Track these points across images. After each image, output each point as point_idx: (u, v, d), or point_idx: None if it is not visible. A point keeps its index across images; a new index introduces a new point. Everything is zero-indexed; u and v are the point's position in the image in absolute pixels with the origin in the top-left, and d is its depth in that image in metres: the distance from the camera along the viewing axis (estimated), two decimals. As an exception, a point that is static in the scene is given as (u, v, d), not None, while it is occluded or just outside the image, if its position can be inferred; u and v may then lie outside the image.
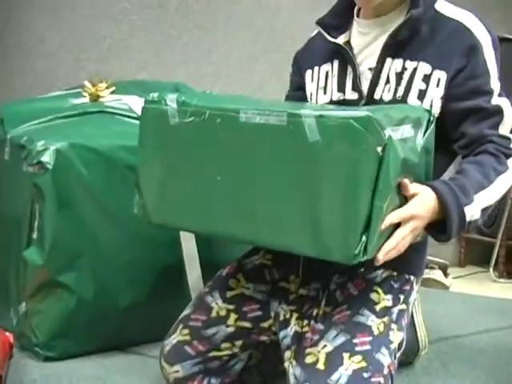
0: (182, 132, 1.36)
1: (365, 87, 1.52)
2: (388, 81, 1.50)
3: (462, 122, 1.47)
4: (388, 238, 1.27)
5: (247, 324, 1.52)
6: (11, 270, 1.90)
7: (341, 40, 1.56)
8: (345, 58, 1.55)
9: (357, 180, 1.20)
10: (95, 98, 2.09)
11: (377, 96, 1.51)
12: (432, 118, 1.40)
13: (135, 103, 2.04)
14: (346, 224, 1.21)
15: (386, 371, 1.34)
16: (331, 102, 1.58)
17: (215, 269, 1.90)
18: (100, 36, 2.63)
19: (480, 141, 1.45)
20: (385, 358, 1.35)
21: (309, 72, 1.64)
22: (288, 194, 1.25)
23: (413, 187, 1.30)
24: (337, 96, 1.57)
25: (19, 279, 1.85)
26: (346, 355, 1.34)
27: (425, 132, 1.38)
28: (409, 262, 1.49)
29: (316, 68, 1.62)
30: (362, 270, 1.47)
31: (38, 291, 1.80)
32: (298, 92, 1.69)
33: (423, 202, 1.31)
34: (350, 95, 1.54)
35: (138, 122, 1.96)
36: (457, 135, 1.48)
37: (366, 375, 1.31)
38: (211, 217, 1.35)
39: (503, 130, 1.47)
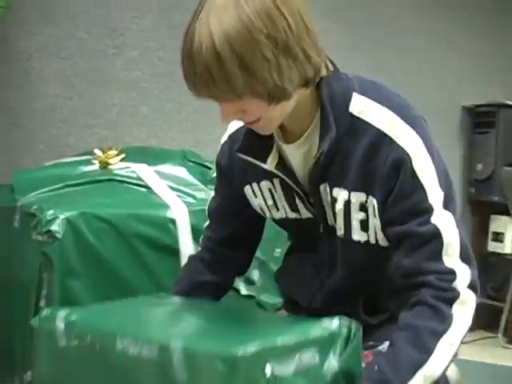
0: (68, 355, 1.23)
1: (316, 210, 1.37)
2: (329, 207, 1.34)
3: (396, 251, 1.27)
4: None
5: None
6: (17, 337, 1.90)
7: (272, 163, 1.35)
8: (284, 180, 1.37)
9: None
10: (105, 166, 2.12)
11: (330, 222, 1.36)
12: (354, 331, 1.15)
13: (144, 171, 2.07)
14: None
15: None
16: (287, 220, 1.43)
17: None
18: (110, 103, 2.68)
19: (416, 276, 1.24)
20: None
21: (248, 188, 1.45)
22: None
23: None
24: (293, 215, 1.42)
25: (26, 347, 1.84)
26: None
27: (343, 350, 1.13)
28: None
29: (255, 184, 1.43)
30: (371, 343, 1.41)
31: (44, 360, 1.79)
32: (235, 203, 1.51)
33: None
34: (306, 214, 1.40)
35: (146, 189, 2.01)
36: (394, 265, 1.29)
37: None
38: None
39: (447, 257, 1.24)
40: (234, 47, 1.13)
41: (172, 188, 2.02)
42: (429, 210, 1.24)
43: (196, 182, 2.07)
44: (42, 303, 1.80)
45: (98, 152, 2.16)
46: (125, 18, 2.68)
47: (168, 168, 2.11)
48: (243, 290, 1.99)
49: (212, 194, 1.60)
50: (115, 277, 1.82)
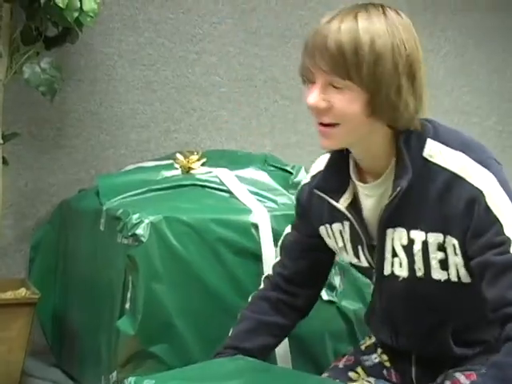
0: None
1: (375, 258, 1.41)
2: (395, 254, 1.36)
3: (481, 283, 1.28)
4: None
5: None
6: (103, 338, 1.94)
7: (344, 203, 1.40)
8: (352, 223, 1.42)
9: None
10: (187, 170, 2.15)
11: (386, 272, 1.39)
12: None
13: (225, 176, 2.09)
14: None
15: None
16: (352, 264, 1.51)
17: (302, 343, 1.90)
18: (189, 108, 2.72)
19: (502, 307, 1.23)
20: None
21: (322, 228, 1.52)
22: None
23: None
24: (355, 261, 1.48)
25: (111, 348, 1.88)
26: None
27: None
28: None
29: (328, 226, 1.49)
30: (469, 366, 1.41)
31: (129, 361, 1.83)
32: (311, 239, 1.56)
33: None
34: (364, 263, 1.45)
35: (228, 194, 2.03)
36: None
37: None
38: None
39: None
40: (376, 43, 1.25)
41: (253, 192, 2.03)
42: (506, 242, 1.25)
43: (277, 186, 2.08)
44: (127, 306, 1.84)
45: (179, 156, 2.19)
46: (204, 24, 2.71)
47: (249, 172, 2.12)
48: (324, 296, 1.97)
49: (288, 229, 1.66)
50: (198, 280, 1.84)
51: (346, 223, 1.44)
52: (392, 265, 1.39)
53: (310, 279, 1.63)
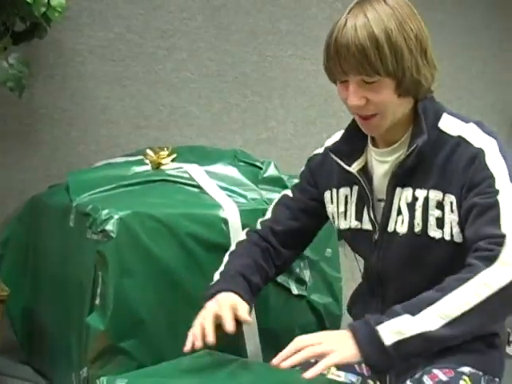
0: None
1: (379, 218, 1.50)
2: (400, 212, 1.47)
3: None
4: None
5: None
6: (74, 334, 1.94)
7: (355, 167, 1.53)
8: (361, 185, 1.53)
9: None
10: (157, 166, 2.15)
11: (390, 229, 1.49)
12: None
13: (195, 171, 2.09)
14: None
15: None
16: (350, 230, 1.57)
17: (273, 337, 1.91)
18: (160, 104, 2.71)
19: (475, 242, 1.34)
20: None
21: (327, 193, 1.63)
22: None
23: None
24: (354, 224, 1.56)
25: (81, 344, 1.88)
26: None
27: None
28: (493, 364, 1.49)
29: (334, 190, 1.61)
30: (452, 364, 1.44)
31: (99, 357, 1.82)
32: (311, 202, 1.67)
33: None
34: (366, 225, 1.54)
35: (197, 190, 2.03)
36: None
37: None
38: None
39: (505, 224, 1.33)
40: (391, 36, 1.37)
41: (223, 188, 2.04)
42: (494, 191, 1.36)
43: (247, 181, 2.09)
44: (97, 301, 1.84)
45: (149, 152, 2.19)
46: (175, 20, 2.71)
47: (219, 168, 2.13)
48: (294, 290, 1.99)
49: (287, 192, 1.72)
50: (168, 275, 1.84)
51: (355, 187, 1.55)
52: (395, 222, 1.48)
53: (295, 242, 1.70)
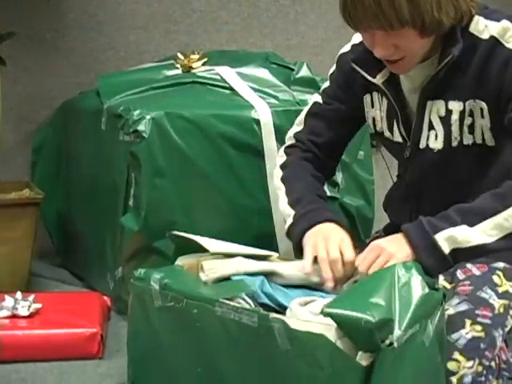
0: (164, 315, 1.30)
1: (410, 134, 1.47)
2: (432, 126, 1.44)
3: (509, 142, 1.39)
4: None
5: None
6: (108, 236, 1.96)
7: (380, 79, 1.48)
8: (388, 98, 1.49)
9: None
10: (187, 70, 2.12)
11: (422, 145, 1.46)
12: (442, 298, 1.24)
13: (226, 73, 2.06)
14: None
15: (497, 351, 1.36)
16: (383, 137, 1.54)
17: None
18: (189, 8, 2.66)
19: None
20: (499, 338, 1.36)
21: (367, 96, 1.56)
22: None
23: None
24: (387, 135, 1.53)
25: (116, 245, 1.91)
26: (468, 321, 1.34)
27: (436, 317, 1.21)
28: None
29: (375, 93, 1.54)
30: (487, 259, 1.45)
31: (133, 257, 1.86)
32: (343, 108, 1.60)
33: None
34: (397, 138, 1.51)
35: (229, 91, 2.01)
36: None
37: (482, 346, 1.32)
38: None
39: None
40: None
41: (255, 89, 2.01)
42: None
43: (279, 83, 2.05)
44: (131, 202, 1.85)
45: (180, 56, 2.16)
46: None
47: (251, 70, 2.09)
48: (327, 192, 1.98)
49: (317, 99, 1.64)
50: (200, 176, 1.85)
51: (385, 97, 1.50)
52: (427, 138, 1.45)
53: (336, 152, 1.66)
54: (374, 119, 1.57)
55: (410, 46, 1.36)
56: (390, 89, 1.47)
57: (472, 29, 1.39)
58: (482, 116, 1.39)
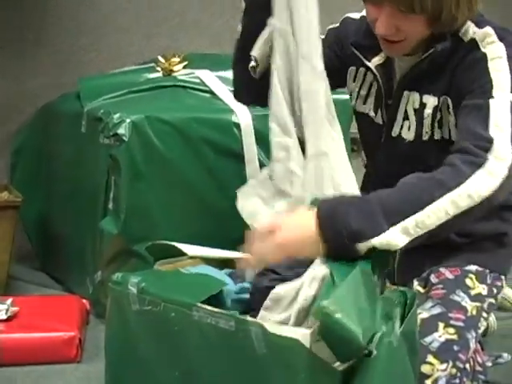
0: (142, 319, 1.28)
1: (388, 114, 1.49)
2: (407, 117, 1.46)
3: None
4: None
5: None
6: (87, 239, 1.96)
7: (374, 62, 1.49)
8: (378, 81, 1.50)
9: None
10: (168, 73, 2.12)
11: (394, 133, 1.48)
12: (410, 301, 1.20)
13: (207, 77, 2.06)
14: None
15: (471, 353, 1.37)
16: (364, 116, 1.54)
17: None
18: (172, 11, 2.66)
19: (460, 141, 1.30)
20: (472, 340, 1.37)
21: (353, 69, 1.56)
22: None
23: None
24: (372, 115, 1.54)
25: (95, 248, 1.90)
26: (441, 324, 1.35)
27: (404, 318, 1.17)
28: (500, 262, 1.51)
29: (362, 69, 1.54)
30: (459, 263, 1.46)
31: (113, 260, 1.85)
32: (336, 64, 1.55)
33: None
34: (379, 120, 1.52)
35: (209, 95, 2.01)
36: None
37: (456, 348, 1.33)
38: None
39: (494, 127, 1.28)
40: None
41: (235, 93, 2.01)
42: (490, 96, 1.31)
43: (259, 86, 2.05)
44: (111, 205, 1.85)
45: (161, 59, 2.16)
46: None
47: (231, 73, 2.09)
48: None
49: None
50: (180, 179, 1.85)
51: (376, 80, 1.51)
52: (401, 127, 1.47)
53: None
54: (351, 93, 1.59)
55: (412, 31, 1.36)
56: (380, 72, 1.49)
57: (461, 33, 1.41)
58: (449, 112, 1.41)
